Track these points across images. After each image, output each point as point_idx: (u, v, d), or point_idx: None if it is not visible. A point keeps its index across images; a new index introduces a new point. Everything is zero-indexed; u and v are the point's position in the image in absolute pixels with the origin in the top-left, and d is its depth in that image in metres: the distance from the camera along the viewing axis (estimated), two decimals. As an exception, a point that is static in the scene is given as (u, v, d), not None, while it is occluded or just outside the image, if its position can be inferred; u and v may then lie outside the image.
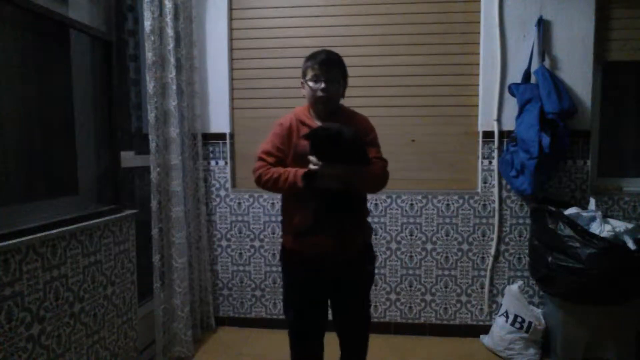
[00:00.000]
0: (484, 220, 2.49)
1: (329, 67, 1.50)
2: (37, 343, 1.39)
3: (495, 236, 2.47)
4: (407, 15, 2.50)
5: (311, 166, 1.40)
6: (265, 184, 1.49)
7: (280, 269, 2.64)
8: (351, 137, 1.38)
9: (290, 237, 1.58)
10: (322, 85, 1.49)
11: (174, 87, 2.18)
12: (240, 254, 2.66)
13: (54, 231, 1.44)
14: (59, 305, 1.49)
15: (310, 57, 1.53)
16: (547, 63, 2.36)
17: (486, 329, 2.47)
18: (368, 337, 1.73)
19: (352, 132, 1.40)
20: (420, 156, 2.55)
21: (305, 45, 2.56)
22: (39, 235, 1.38)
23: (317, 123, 1.52)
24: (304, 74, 1.55)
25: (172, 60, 2.16)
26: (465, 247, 2.52)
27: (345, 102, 2.60)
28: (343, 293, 1.61)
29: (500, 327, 2.31)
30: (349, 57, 2.51)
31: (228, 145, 2.61)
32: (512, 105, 2.40)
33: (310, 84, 1.51)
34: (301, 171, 1.42)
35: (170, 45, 2.15)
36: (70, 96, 1.76)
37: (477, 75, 2.47)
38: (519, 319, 2.23)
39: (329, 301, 1.68)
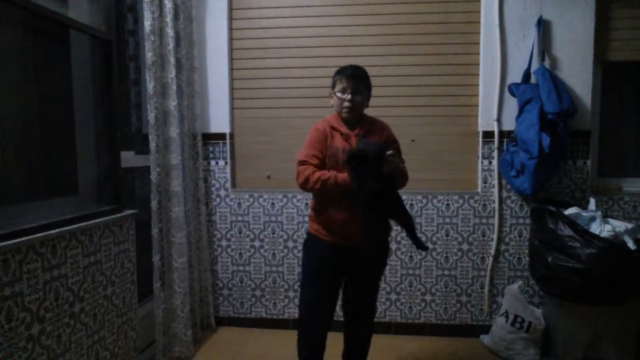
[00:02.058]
0: (484, 220, 2.49)
1: (355, 80, 1.68)
2: (37, 343, 1.39)
3: (495, 236, 2.47)
4: (407, 15, 2.50)
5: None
6: (314, 185, 1.62)
7: (281, 266, 2.63)
8: (378, 152, 1.54)
9: (320, 227, 1.72)
10: (349, 96, 1.67)
11: (174, 87, 2.18)
12: (240, 254, 2.66)
13: (54, 231, 1.44)
14: (59, 305, 1.48)
15: (339, 72, 1.73)
16: (547, 63, 2.36)
17: (486, 329, 2.47)
18: (373, 326, 1.90)
19: (377, 148, 1.56)
20: (420, 156, 2.55)
21: (306, 45, 2.57)
22: (39, 235, 1.38)
23: (345, 128, 1.71)
24: (333, 86, 1.74)
25: (172, 60, 2.16)
26: (465, 247, 2.52)
27: (345, 102, 2.58)
28: (360, 280, 1.78)
29: (500, 327, 2.31)
30: (349, 57, 2.53)
31: (228, 145, 2.61)
32: (512, 105, 2.40)
33: (339, 94, 1.70)
34: (340, 176, 1.59)
35: (170, 45, 2.15)
36: (70, 96, 1.76)
37: (477, 75, 2.47)
38: (519, 319, 2.23)
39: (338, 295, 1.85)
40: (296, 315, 2.62)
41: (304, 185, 1.65)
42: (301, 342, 1.81)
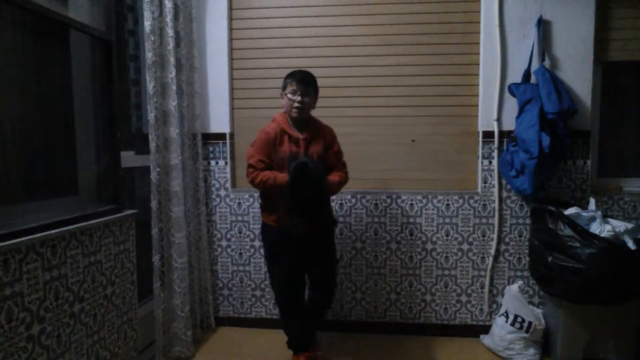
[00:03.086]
0: (484, 220, 2.49)
1: (305, 84, 1.90)
2: (37, 343, 1.39)
3: (495, 236, 2.47)
4: (407, 15, 2.50)
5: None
6: (257, 185, 1.92)
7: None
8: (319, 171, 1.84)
9: (270, 216, 2.00)
10: (299, 98, 1.88)
11: (174, 87, 2.18)
12: (240, 254, 2.66)
13: (54, 231, 1.44)
14: (59, 305, 1.49)
15: (290, 75, 1.93)
16: (547, 63, 2.36)
17: (486, 329, 2.47)
18: (335, 284, 2.21)
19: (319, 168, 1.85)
20: (420, 156, 2.55)
21: (305, 45, 2.57)
22: (39, 235, 1.38)
23: (295, 132, 1.94)
24: (284, 88, 1.93)
25: (172, 60, 2.16)
26: (465, 247, 2.52)
27: (345, 101, 2.61)
28: (313, 253, 2.03)
29: (500, 327, 2.31)
30: (349, 57, 2.54)
31: (228, 145, 2.61)
32: (512, 105, 2.40)
33: (289, 96, 1.90)
34: (279, 177, 1.86)
35: (170, 45, 2.15)
36: (70, 96, 1.76)
37: (477, 75, 2.47)
38: (519, 319, 2.23)
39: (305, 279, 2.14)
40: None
41: (252, 184, 1.93)
42: (284, 317, 2.18)
